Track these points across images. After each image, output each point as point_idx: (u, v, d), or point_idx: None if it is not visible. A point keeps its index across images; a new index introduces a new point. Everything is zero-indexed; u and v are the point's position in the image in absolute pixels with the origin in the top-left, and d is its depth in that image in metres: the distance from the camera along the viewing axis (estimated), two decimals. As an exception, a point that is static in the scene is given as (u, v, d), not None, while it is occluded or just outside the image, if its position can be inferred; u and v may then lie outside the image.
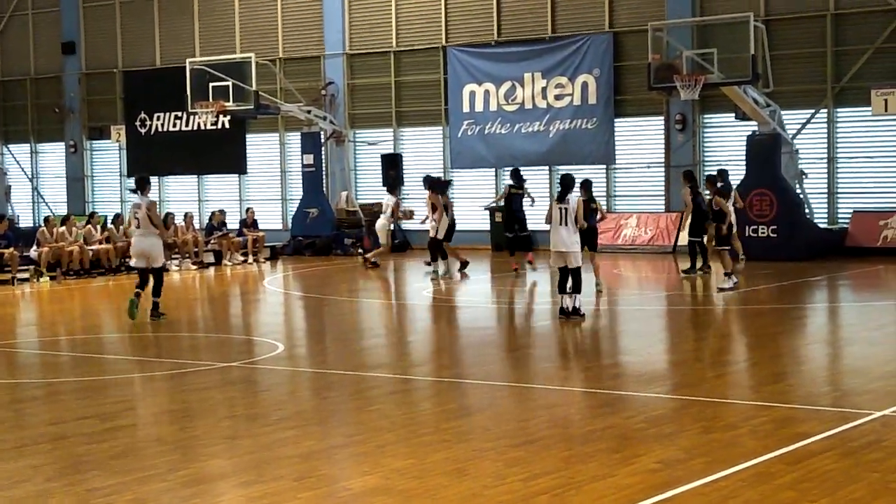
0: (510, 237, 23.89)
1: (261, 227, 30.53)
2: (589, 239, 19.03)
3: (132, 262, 17.76)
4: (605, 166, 30.31)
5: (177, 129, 35.86)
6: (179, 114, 35.09)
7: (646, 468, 8.19)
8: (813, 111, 27.67)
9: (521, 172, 24.89)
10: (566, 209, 16.25)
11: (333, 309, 19.68)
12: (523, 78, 31.08)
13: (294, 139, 33.94)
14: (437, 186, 24.11)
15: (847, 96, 27.41)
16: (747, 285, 20.71)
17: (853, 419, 9.46)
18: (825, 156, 27.71)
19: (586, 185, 19.27)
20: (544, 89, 30.85)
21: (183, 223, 28.69)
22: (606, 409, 10.41)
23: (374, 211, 32.10)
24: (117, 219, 27.62)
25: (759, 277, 21.72)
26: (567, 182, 16.60)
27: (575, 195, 16.65)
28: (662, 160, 29.51)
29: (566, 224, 16.24)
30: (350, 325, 17.74)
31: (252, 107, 30.05)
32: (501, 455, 8.65)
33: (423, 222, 25.50)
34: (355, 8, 33.49)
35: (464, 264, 23.49)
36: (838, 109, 27.60)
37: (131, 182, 21.23)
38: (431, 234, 23.46)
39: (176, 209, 31.52)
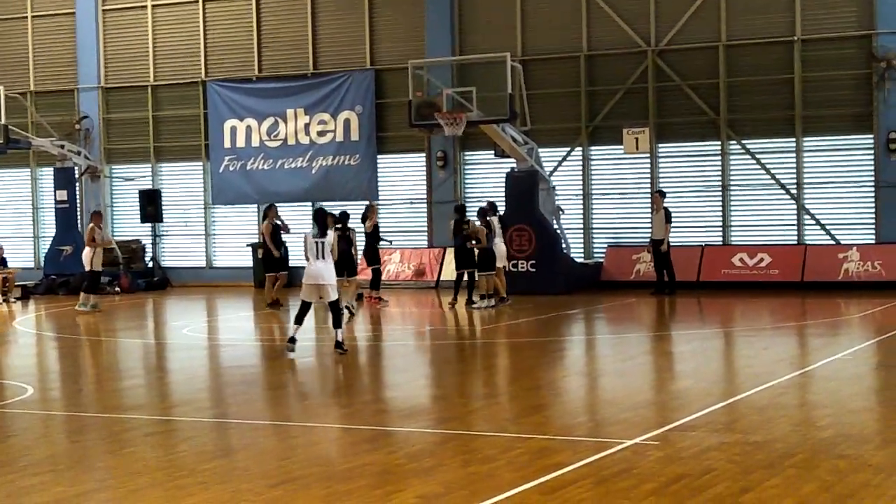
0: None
1: (11, 265, 29.35)
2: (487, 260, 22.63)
3: None
4: (367, 202, 30.43)
5: (-80, 163, 34.21)
6: (-77, 147, 33.47)
7: (405, 504, 8.18)
8: (569, 149, 28.54)
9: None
10: (323, 243, 16.18)
11: (89, 349, 19.04)
12: (286, 114, 31.00)
13: (47, 174, 32.84)
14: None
15: (600, 135, 28.40)
16: (507, 319, 21.09)
17: (606, 448, 9.70)
18: (581, 192, 28.59)
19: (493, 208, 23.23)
20: (307, 125, 30.84)
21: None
22: (367, 446, 10.36)
23: (132, 248, 31.42)
24: None
25: (518, 311, 22.17)
26: (321, 217, 16.61)
27: (332, 232, 16.53)
28: (425, 196, 29.86)
29: (323, 257, 16.16)
30: (106, 365, 17.19)
31: (1, 141, 28.96)
32: (259, 496, 8.48)
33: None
34: (110, 41, 32.76)
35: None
36: (592, 147, 28.56)
37: None
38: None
39: (-81, 247, 29.96)
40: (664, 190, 26.70)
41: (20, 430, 11.78)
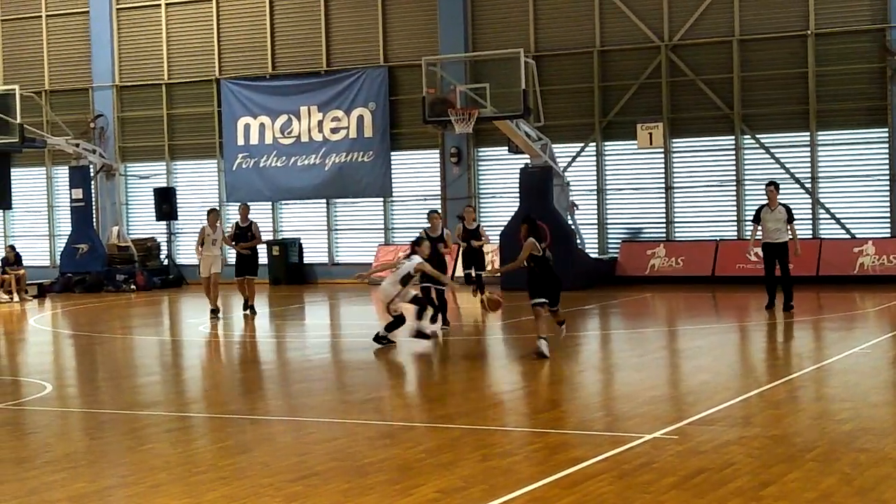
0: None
1: (28, 263, 29.47)
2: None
3: None
4: (382, 199, 30.50)
5: (-64, 162, 34.27)
6: (-61, 147, 33.55)
7: (425, 498, 8.18)
8: (582, 144, 28.53)
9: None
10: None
11: (105, 347, 19.10)
12: (299, 111, 31.04)
13: (62, 173, 32.96)
14: None
15: (614, 130, 28.37)
16: (522, 314, 21.07)
17: (625, 442, 9.69)
18: (595, 188, 28.57)
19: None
20: (320, 122, 30.87)
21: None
22: (386, 441, 10.38)
23: (147, 246, 31.51)
24: None
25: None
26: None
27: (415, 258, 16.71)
28: (439, 193, 29.88)
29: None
30: (123, 362, 17.23)
31: (17, 140, 29.05)
32: (280, 491, 8.50)
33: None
34: (125, 39, 32.83)
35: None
36: (606, 143, 28.54)
37: None
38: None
39: (-65, 246, 30.17)
40: (777, 182, 21.68)
41: (40, 426, 11.83)
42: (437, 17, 29.62)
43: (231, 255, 23.53)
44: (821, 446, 9.46)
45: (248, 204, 23.58)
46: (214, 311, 21.54)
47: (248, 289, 21.99)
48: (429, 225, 19.55)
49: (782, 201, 20.84)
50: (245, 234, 21.76)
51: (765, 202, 20.62)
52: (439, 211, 20.14)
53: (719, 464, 8.85)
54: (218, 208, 23.13)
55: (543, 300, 15.28)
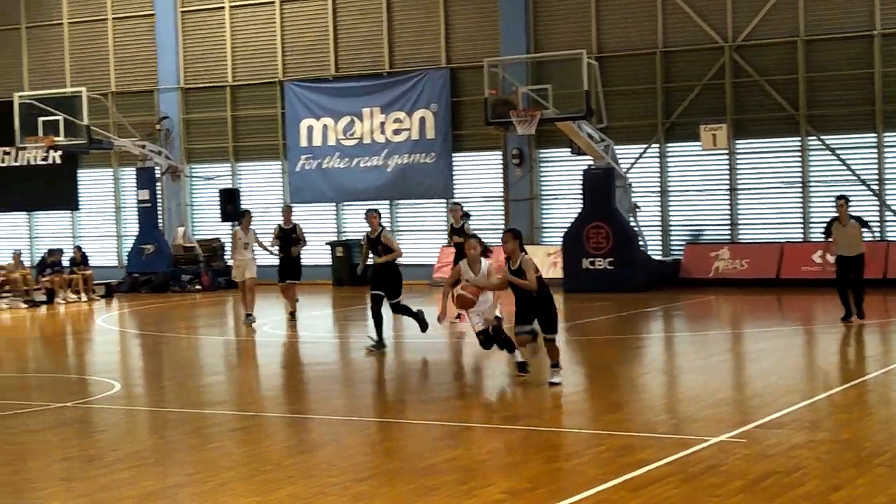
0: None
1: (95, 264, 29.86)
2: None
3: None
4: (444, 200, 30.52)
5: (5, 164, 34.75)
6: (8, 149, 34.01)
7: (491, 499, 8.19)
8: (645, 146, 28.38)
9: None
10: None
11: (171, 346, 19.30)
12: (362, 113, 31.15)
13: (129, 174, 33.33)
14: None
15: (677, 131, 28.19)
16: (585, 316, 21.00)
17: (691, 445, 9.64)
18: (658, 189, 28.42)
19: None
20: (382, 124, 30.96)
21: (12, 261, 27.92)
22: (449, 442, 10.40)
23: (212, 246, 31.79)
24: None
25: (596, 309, 22.05)
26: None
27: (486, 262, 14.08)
28: (501, 194, 29.86)
29: None
30: (189, 362, 17.40)
31: (84, 142, 29.42)
32: (346, 490, 8.55)
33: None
34: (189, 42, 33.14)
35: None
36: (669, 144, 28.36)
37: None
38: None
39: (5, 246, 30.63)
40: (847, 195, 19.86)
41: (109, 425, 11.99)
42: (498, 18, 29.61)
43: (266, 259, 22.95)
44: (890, 451, 9.35)
45: (292, 205, 23.35)
46: (249, 316, 21.17)
47: (289, 293, 21.48)
48: (369, 228, 17.14)
49: (852, 213, 19.21)
50: (289, 237, 21.33)
51: (835, 216, 19.16)
52: (378, 210, 17.65)
53: (788, 468, 8.78)
54: (250, 210, 22.46)
55: (531, 328, 13.30)
